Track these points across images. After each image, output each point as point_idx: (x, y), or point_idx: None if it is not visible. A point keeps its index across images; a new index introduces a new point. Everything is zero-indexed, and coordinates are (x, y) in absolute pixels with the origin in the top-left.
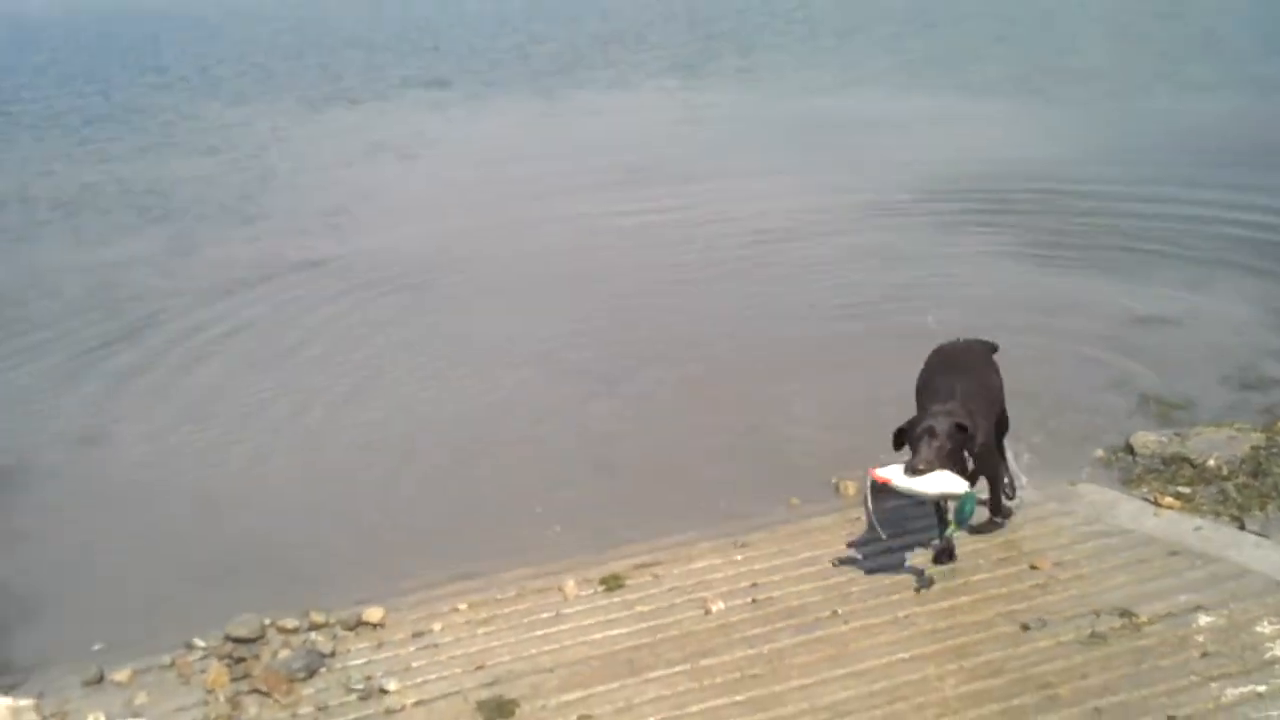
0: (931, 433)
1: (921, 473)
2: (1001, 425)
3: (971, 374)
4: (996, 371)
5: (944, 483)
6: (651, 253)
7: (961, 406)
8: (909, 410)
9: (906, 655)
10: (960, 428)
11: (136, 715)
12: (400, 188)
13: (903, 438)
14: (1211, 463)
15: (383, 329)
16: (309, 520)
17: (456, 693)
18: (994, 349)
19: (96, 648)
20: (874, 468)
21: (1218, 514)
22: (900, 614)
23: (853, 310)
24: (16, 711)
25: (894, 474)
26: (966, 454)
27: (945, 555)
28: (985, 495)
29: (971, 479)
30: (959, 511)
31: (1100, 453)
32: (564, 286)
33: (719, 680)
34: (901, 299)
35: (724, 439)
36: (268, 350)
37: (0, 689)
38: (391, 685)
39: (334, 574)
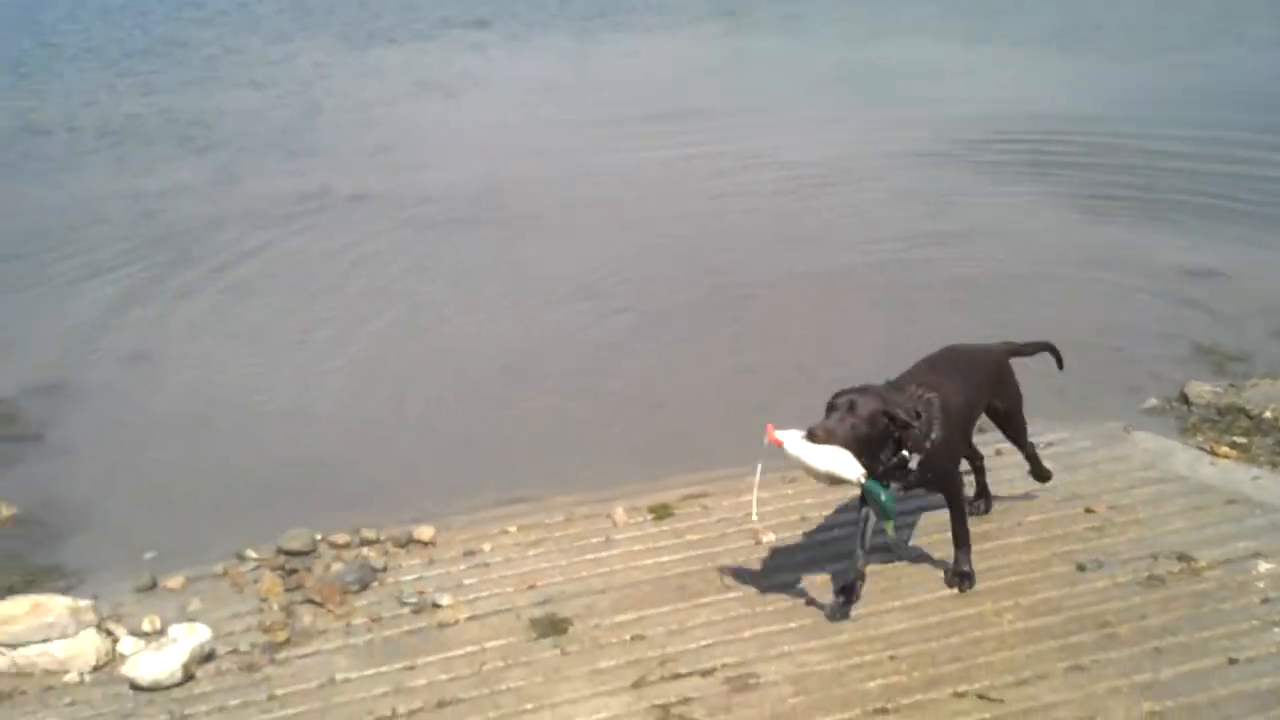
0: (851, 406)
1: (819, 441)
2: (1015, 426)
3: (962, 379)
4: (1003, 386)
5: (836, 461)
6: (694, 193)
7: (915, 401)
8: None
9: (956, 592)
10: (890, 418)
11: (191, 619)
12: (443, 126)
13: None
14: (1268, 414)
15: (428, 261)
16: (356, 443)
17: (509, 610)
18: (1013, 351)
19: (148, 556)
20: (773, 425)
21: (1275, 464)
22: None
23: (897, 253)
24: (76, 611)
25: (790, 437)
26: (918, 460)
27: (848, 591)
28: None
29: (928, 486)
30: (882, 506)
31: (1154, 401)
32: (607, 224)
33: (771, 608)
34: (946, 243)
35: (771, 378)
36: (313, 278)
37: (57, 590)
38: (444, 600)
39: (382, 495)
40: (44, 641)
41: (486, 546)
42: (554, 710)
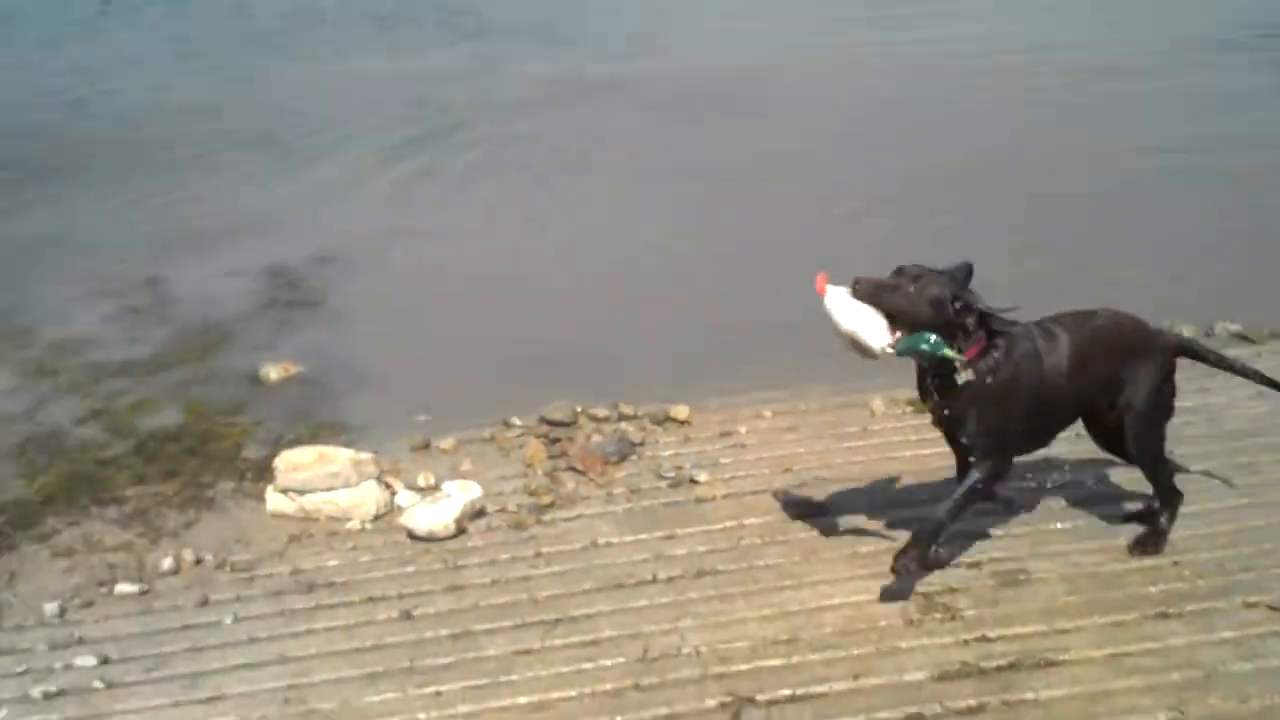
0: (916, 279)
1: (858, 295)
2: (1137, 440)
3: (1086, 353)
4: (1135, 381)
5: (863, 323)
6: (956, 82)
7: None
8: (1244, 257)
9: (1247, 502)
10: (961, 306)
11: (463, 479)
12: (702, 15)
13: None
14: None
15: (682, 148)
16: (611, 321)
17: (766, 490)
18: (1182, 349)
19: (421, 418)
20: (825, 275)
21: None
22: (1242, 460)
23: (1176, 151)
24: (358, 463)
25: (835, 290)
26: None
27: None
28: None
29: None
30: (926, 353)
31: None
32: (867, 114)
33: (1041, 507)
34: (1234, 141)
35: (1047, 280)
36: (569, 162)
37: (340, 443)
38: (701, 477)
39: (637, 374)
40: (329, 490)
41: (742, 429)
42: (813, 589)
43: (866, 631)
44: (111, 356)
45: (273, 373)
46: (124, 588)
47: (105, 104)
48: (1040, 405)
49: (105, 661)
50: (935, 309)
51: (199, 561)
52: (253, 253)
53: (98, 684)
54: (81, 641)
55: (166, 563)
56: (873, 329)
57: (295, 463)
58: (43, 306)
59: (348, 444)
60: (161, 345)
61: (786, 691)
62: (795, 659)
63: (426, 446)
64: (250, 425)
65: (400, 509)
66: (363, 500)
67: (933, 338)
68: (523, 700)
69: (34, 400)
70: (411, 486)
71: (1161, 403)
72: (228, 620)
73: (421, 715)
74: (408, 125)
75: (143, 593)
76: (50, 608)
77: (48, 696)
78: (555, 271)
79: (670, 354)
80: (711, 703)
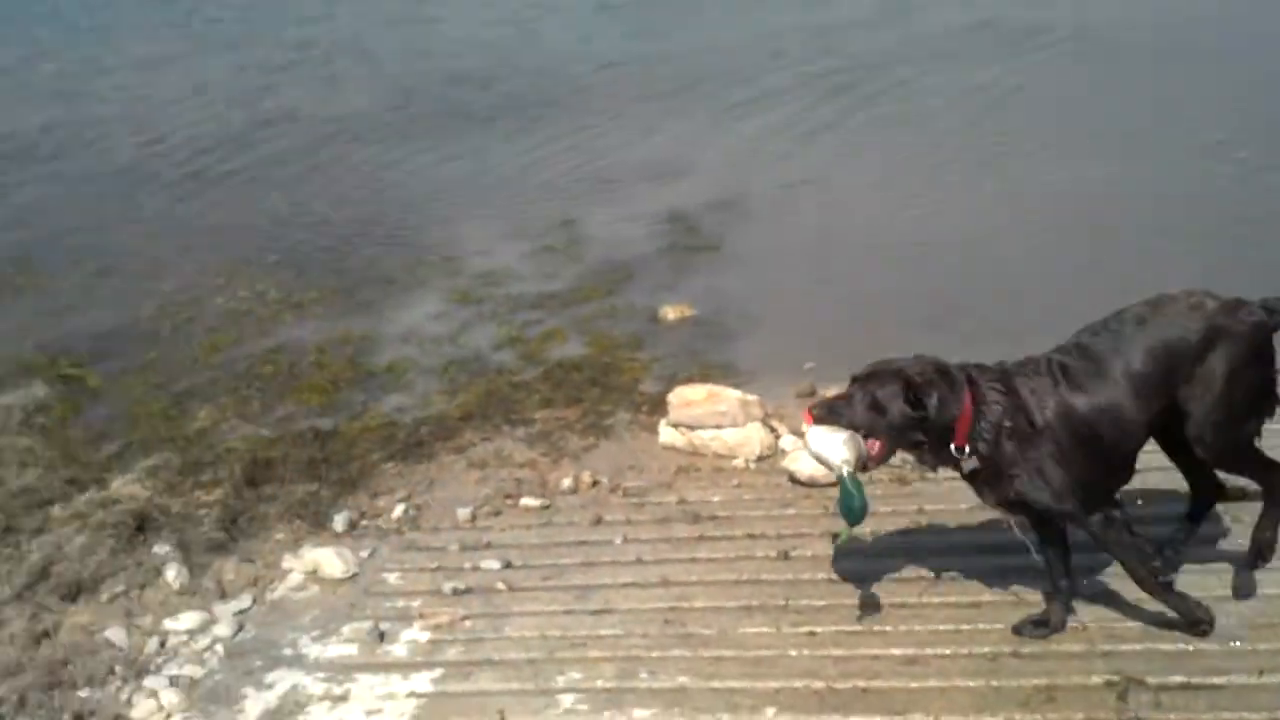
0: (869, 382)
1: (819, 421)
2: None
3: (1112, 371)
4: (1194, 376)
5: (825, 443)
6: None
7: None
8: None
9: None
10: (915, 401)
11: None
12: None
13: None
14: None
15: (1103, 95)
16: (1004, 279)
17: (1171, 468)
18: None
19: (808, 366)
20: (810, 412)
21: None
22: None
23: None
24: (745, 404)
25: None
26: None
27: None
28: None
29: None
30: (846, 506)
31: None
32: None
33: None
34: None
35: None
36: (975, 109)
37: (729, 384)
38: None
39: (1030, 333)
40: (717, 427)
41: None
42: (1218, 576)
43: (1276, 626)
44: (527, 289)
45: (670, 313)
46: (528, 501)
47: (530, 55)
48: (1073, 451)
49: (508, 566)
50: (902, 419)
51: (595, 483)
52: (656, 198)
53: (500, 585)
54: (489, 546)
55: (566, 482)
56: (832, 448)
57: (687, 399)
58: (470, 241)
59: (736, 385)
60: (571, 281)
61: (1179, 678)
62: (1191, 646)
63: (812, 393)
64: (648, 361)
65: (783, 452)
66: (748, 440)
67: (855, 501)
68: (895, 652)
69: (458, 325)
70: (795, 431)
71: (1240, 399)
72: (618, 540)
73: (793, 652)
74: (811, 75)
75: (544, 507)
76: (463, 513)
77: (456, 592)
78: (948, 225)
79: (1064, 312)
80: (1096, 679)
